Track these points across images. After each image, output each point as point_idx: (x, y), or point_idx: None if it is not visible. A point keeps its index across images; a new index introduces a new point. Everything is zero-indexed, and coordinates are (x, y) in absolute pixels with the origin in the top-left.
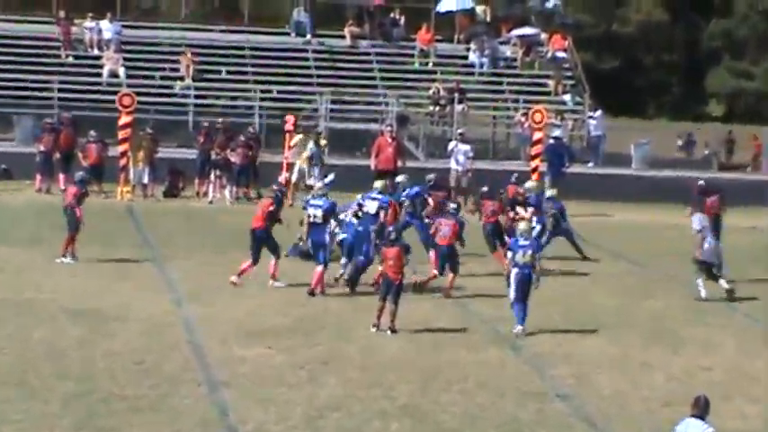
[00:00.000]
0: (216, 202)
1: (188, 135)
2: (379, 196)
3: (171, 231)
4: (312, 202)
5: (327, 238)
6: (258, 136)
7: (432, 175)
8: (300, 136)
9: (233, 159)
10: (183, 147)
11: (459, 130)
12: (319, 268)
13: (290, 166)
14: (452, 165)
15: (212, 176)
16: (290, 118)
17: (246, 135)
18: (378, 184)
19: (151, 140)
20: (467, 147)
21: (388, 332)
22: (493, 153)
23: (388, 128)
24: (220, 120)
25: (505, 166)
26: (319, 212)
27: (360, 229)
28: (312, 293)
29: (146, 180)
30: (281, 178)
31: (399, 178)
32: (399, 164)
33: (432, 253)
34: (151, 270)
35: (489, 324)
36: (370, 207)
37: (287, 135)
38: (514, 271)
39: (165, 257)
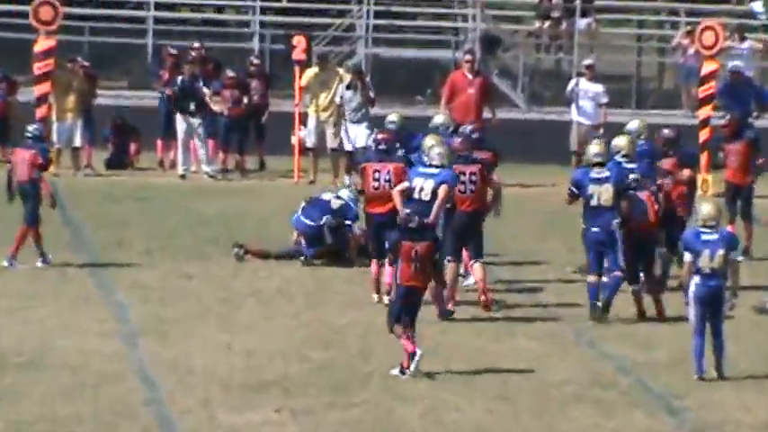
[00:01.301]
0: (192, 177)
1: (145, 69)
2: (434, 170)
3: (119, 224)
4: (422, 169)
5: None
6: (263, 71)
7: None
8: (315, 70)
9: (216, 108)
10: (138, 88)
11: (586, 61)
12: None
13: (305, 121)
14: (573, 115)
15: (182, 135)
16: (300, 39)
17: (239, 70)
18: (429, 142)
19: (86, 78)
20: (597, 87)
21: (412, 366)
22: (638, 97)
23: (468, 57)
24: (196, 44)
25: (657, 116)
26: (431, 184)
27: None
28: (447, 313)
29: (77, 141)
30: (294, 139)
31: (392, 117)
32: (487, 115)
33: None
34: (87, 286)
35: (633, 374)
36: (425, 186)
37: (296, 68)
38: (695, 283)
39: (110, 267)
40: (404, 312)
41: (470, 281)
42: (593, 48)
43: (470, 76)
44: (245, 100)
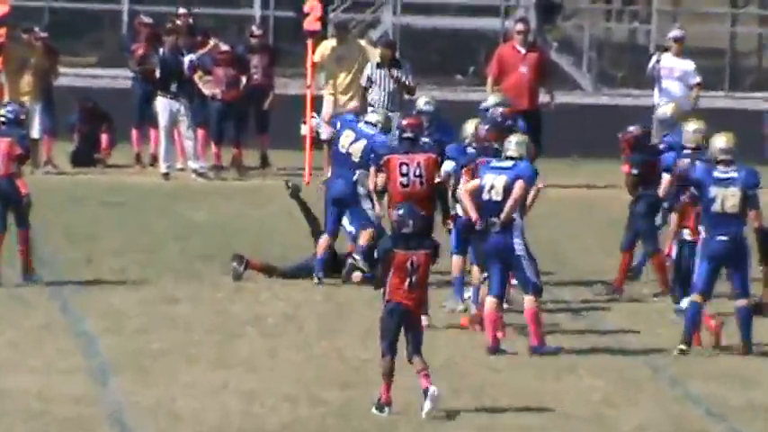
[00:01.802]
0: (177, 175)
1: (118, 42)
2: (507, 162)
3: (88, 235)
4: (495, 163)
5: (518, 240)
6: (267, 44)
7: None
8: (332, 43)
9: (206, 91)
10: (111, 65)
11: (673, 32)
12: (490, 299)
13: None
14: (655, 98)
15: (165, 123)
16: (313, 5)
17: (237, 43)
18: (515, 141)
19: (45, 53)
20: (686, 65)
21: (426, 406)
22: (731, 76)
23: (520, 27)
24: (180, 10)
25: (756, 100)
26: (502, 181)
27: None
28: (495, 349)
29: (35, 132)
30: (304, 128)
31: (424, 100)
32: (542, 98)
33: None
34: (49, 312)
35: (726, 420)
36: (496, 183)
37: (309, 41)
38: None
39: (77, 289)
40: (407, 339)
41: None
42: (677, 16)
43: (523, 51)
44: (244, 80)
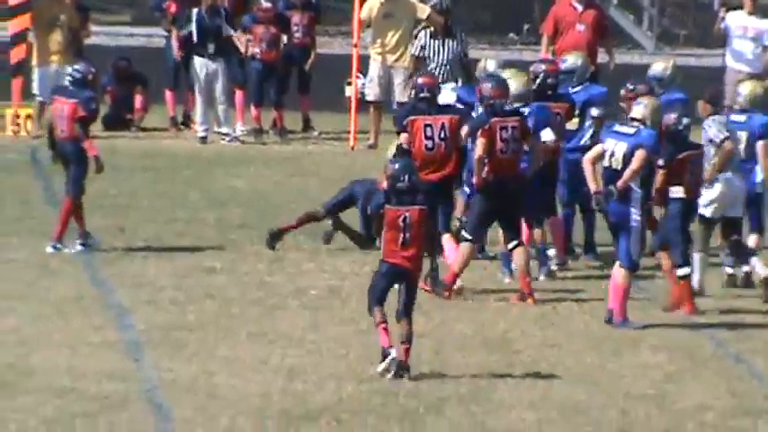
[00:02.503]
0: (214, 138)
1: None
2: (630, 128)
3: (121, 204)
4: (617, 127)
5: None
6: (308, 1)
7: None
8: (379, 4)
9: (246, 50)
10: (144, 24)
11: None
12: (620, 278)
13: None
14: (729, 61)
15: (202, 84)
16: None
17: (275, 1)
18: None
19: (76, 10)
20: (760, 24)
21: (380, 366)
22: None
23: None
24: None
25: None
26: (622, 149)
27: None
28: (622, 323)
29: None
30: (349, 90)
31: (489, 65)
32: (601, 58)
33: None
34: (79, 284)
35: None
36: (616, 150)
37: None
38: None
39: (109, 259)
40: (399, 300)
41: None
42: None
43: (580, 8)
44: (285, 39)
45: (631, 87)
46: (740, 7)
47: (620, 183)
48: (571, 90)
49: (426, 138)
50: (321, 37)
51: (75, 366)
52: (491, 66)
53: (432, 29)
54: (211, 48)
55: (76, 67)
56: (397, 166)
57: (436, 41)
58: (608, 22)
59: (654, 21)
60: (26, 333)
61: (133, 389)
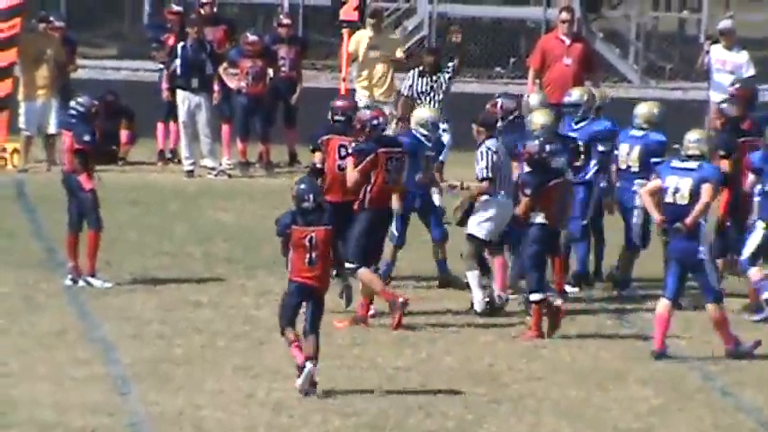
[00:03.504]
0: (200, 172)
1: (140, 33)
2: (691, 163)
3: (107, 237)
4: (675, 163)
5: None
6: (296, 34)
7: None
8: (368, 33)
9: (232, 84)
10: (131, 57)
11: (721, 24)
12: (664, 301)
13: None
14: (712, 95)
15: (185, 118)
16: None
17: (264, 33)
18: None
19: (63, 44)
20: (738, 57)
21: (299, 381)
22: None
23: (565, 16)
24: None
25: None
26: (688, 184)
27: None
28: (662, 353)
29: (52, 127)
30: None
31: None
32: (587, 91)
33: None
34: (64, 317)
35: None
36: (681, 186)
37: (345, 31)
38: None
39: (95, 292)
40: (306, 317)
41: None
42: (729, 3)
43: (567, 41)
44: (271, 73)
45: None
46: (718, 41)
47: (689, 219)
48: (574, 125)
49: (340, 158)
50: (308, 71)
51: (59, 400)
52: (534, 100)
53: (421, 67)
54: (195, 82)
55: (79, 100)
56: (302, 186)
57: (424, 79)
58: (595, 56)
59: (640, 54)
60: (10, 366)
61: (119, 423)
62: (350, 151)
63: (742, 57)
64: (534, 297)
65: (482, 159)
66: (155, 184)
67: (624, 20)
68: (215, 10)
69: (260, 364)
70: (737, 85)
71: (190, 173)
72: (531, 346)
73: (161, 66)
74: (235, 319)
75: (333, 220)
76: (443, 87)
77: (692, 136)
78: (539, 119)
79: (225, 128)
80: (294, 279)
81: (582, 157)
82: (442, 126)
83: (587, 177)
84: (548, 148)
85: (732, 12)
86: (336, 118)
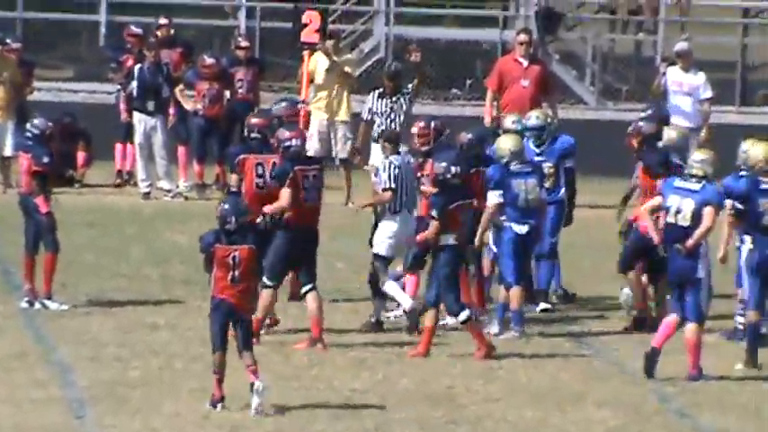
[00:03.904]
0: (157, 194)
1: (96, 54)
2: (694, 184)
3: (63, 260)
4: (678, 183)
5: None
6: (254, 56)
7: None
8: (324, 55)
9: (189, 106)
10: (88, 79)
11: (679, 46)
12: (690, 333)
13: (309, 122)
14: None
15: (141, 140)
16: (312, 16)
17: (221, 56)
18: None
19: (19, 66)
20: (695, 79)
21: (253, 401)
22: (743, 91)
23: (522, 37)
24: (163, 19)
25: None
26: (690, 206)
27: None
28: (698, 377)
29: (7, 149)
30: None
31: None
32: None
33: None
34: (21, 341)
35: None
36: (683, 207)
37: (306, 53)
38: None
39: (51, 315)
40: (235, 334)
41: (448, 320)
42: (684, 26)
43: (525, 63)
44: (228, 95)
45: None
46: (674, 63)
47: (690, 242)
48: (535, 148)
49: (257, 176)
50: (265, 92)
51: (18, 422)
52: (508, 122)
53: (381, 89)
54: (151, 105)
55: (35, 122)
56: (226, 206)
57: (384, 101)
58: (552, 78)
59: (596, 76)
60: None
61: None
62: (272, 177)
63: (699, 78)
64: (462, 317)
65: (384, 171)
66: (111, 207)
67: (580, 42)
68: (172, 32)
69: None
70: (650, 111)
71: (146, 195)
72: (487, 367)
73: (118, 87)
74: (192, 341)
75: (256, 240)
76: (404, 109)
77: (697, 156)
78: (506, 143)
79: (181, 150)
80: (217, 296)
81: (552, 178)
82: (403, 149)
83: (559, 196)
84: (453, 170)
85: (687, 34)
86: (252, 135)
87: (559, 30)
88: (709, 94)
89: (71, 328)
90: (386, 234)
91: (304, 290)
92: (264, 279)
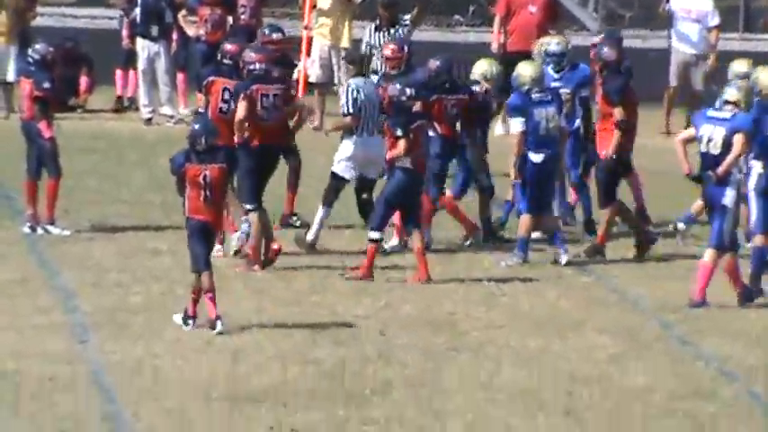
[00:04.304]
0: (159, 120)
1: None
2: (725, 113)
3: (65, 185)
4: (711, 113)
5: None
6: None
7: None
8: None
9: (191, 32)
10: (90, 4)
11: None
12: (707, 257)
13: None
14: (674, 42)
15: (144, 66)
16: None
17: None
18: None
19: None
20: (703, 5)
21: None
22: (746, 17)
23: None
24: None
25: None
26: (721, 134)
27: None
28: (701, 303)
29: (10, 75)
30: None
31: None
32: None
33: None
34: (24, 266)
35: (739, 381)
36: (714, 136)
37: None
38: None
39: (54, 241)
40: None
41: (393, 242)
42: None
43: None
44: (230, 20)
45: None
46: None
47: (721, 169)
48: (554, 74)
49: (223, 101)
50: (267, 18)
51: (20, 349)
52: (553, 45)
53: (377, 22)
54: (154, 30)
55: (36, 47)
56: (196, 127)
57: (380, 34)
58: (558, 5)
59: (599, 2)
60: None
61: (79, 371)
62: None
63: (707, 5)
64: (373, 235)
65: (344, 95)
66: (113, 132)
67: None
68: None
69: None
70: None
71: (148, 121)
72: (489, 293)
73: (121, 12)
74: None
75: (230, 160)
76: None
77: (733, 83)
78: (527, 71)
79: (180, 77)
80: (193, 217)
81: (569, 104)
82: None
83: (575, 125)
84: (407, 91)
85: None
86: (225, 61)
87: None
88: (717, 21)
89: (73, 254)
90: (343, 156)
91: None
92: (244, 205)
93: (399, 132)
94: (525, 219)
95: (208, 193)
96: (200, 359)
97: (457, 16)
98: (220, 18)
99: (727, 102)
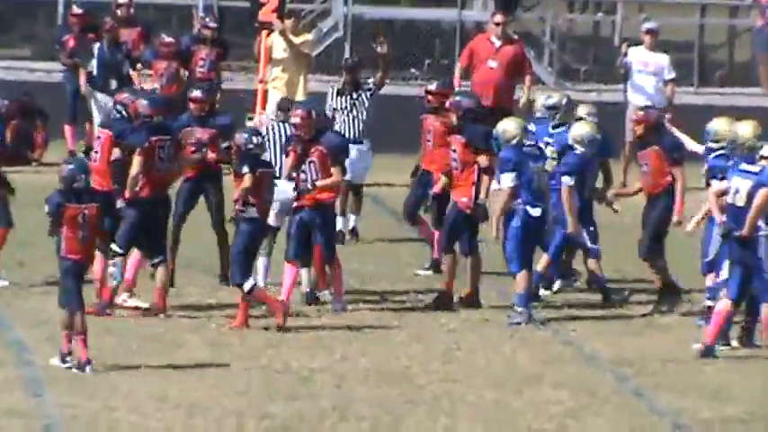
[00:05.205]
0: None
1: (51, 33)
2: (756, 166)
3: (21, 239)
4: (744, 166)
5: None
6: (220, 37)
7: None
8: (281, 34)
9: (146, 86)
10: (45, 59)
11: (645, 24)
12: (726, 301)
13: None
14: (630, 96)
15: (101, 117)
16: None
17: (182, 35)
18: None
19: None
20: (660, 59)
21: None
22: (701, 71)
23: (498, 18)
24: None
25: (727, 96)
26: (746, 186)
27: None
28: (710, 352)
29: None
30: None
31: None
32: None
33: None
34: None
35: None
36: (740, 188)
37: (263, 33)
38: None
39: (8, 295)
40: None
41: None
42: (643, 6)
43: (497, 44)
44: (186, 74)
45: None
46: (640, 43)
47: (746, 230)
48: (550, 129)
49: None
50: (223, 72)
51: None
52: (582, 111)
53: (339, 86)
54: (113, 84)
55: None
56: (71, 166)
57: (343, 98)
58: (524, 59)
59: (555, 56)
60: None
61: (34, 426)
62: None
63: (663, 59)
64: (247, 286)
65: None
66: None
67: (539, 22)
68: (131, 11)
69: (173, 366)
70: (641, 113)
71: None
72: (446, 347)
73: (65, 67)
74: (150, 320)
75: (107, 200)
76: (365, 105)
77: (760, 145)
78: (512, 125)
79: None
80: (67, 257)
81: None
82: (365, 146)
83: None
84: (254, 140)
85: (646, 14)
86: (117, 109)
87: (517, 10)
88: (672, 74)
89: (27, 309)
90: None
91: (154, 262)
92: (114, 246)
93: (244, 170)
94: (524, 274)
95: (84, 232)
96: (156, 414)
97: (413, 70)
98: (176, 71)
99: (762, 157)
